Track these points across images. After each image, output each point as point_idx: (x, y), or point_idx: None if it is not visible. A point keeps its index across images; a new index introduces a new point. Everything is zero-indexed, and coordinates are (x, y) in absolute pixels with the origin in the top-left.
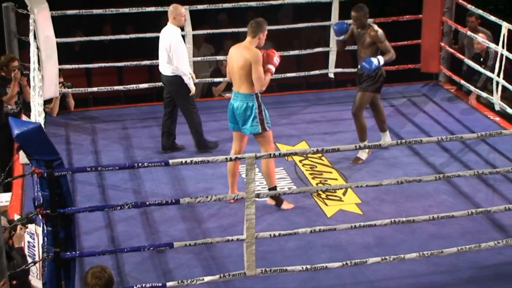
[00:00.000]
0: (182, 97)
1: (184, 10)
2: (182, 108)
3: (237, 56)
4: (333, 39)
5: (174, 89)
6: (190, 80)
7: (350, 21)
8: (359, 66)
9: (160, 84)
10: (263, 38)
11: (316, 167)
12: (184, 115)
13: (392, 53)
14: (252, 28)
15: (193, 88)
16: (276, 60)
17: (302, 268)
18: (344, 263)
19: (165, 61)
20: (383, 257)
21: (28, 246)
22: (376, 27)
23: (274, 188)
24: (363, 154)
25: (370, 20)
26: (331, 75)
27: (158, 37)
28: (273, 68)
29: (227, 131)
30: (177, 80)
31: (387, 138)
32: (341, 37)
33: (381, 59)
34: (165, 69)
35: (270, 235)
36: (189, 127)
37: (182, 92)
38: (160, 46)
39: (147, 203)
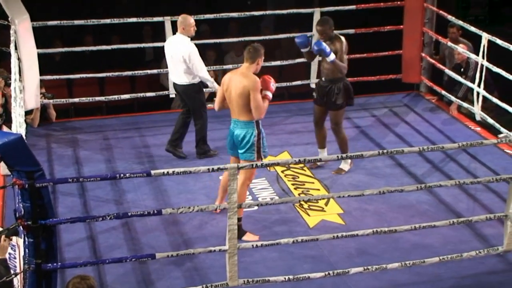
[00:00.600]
0: (198, 103)
1: (193, 21)
2: (196, 114)
3: (236, 84)
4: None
5: (191, 97)
6: (214, 83)
7: (311, 34)
8: (322, 78)
9: (142, 94)
10: (260, 64)
11: (299, 177)
12: (196, 121)
13: (345, 66)
14: (250, 54)
15: (217, 87)
16: (273, 85)
17: (285, 278)
18: (327, 273)
19: (181, 71)
20: (365, 267)
21: (9, 258)
22: (343, 38)
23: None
24: (345, 166)
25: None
26: (313, 85)
27: (140, 48)
28: (270, 94)
29: (209, 142)
30: (194, 87)
31: (325, 153)
32: (306, 49)
33: (333, 56)
34: (181, 78)
35: (253, 245)
36: (197, 132)
37: (198, 98)
38: (171, 56)
39: (129, 214)
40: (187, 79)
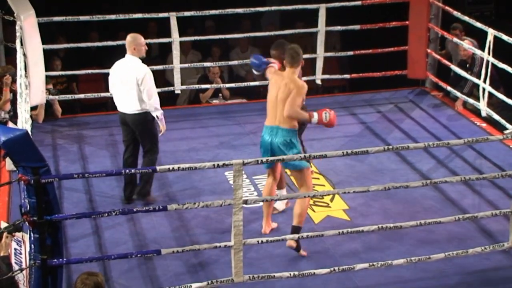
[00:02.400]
0: (151, 134)
1: (143, 40)
2: (147, 147)
3: (281, 87)
4: (321, 45)
5: (144, 127)
6: (163, 118)
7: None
8: None
9: None
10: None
11: None
12: (145, 156)
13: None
14: (293, 58)
15: (164, 126)
16: (325, 117)
17: (290, 274)
18: (332, 269)
19: (133, 97)
20: (370, 263)
21: (15, 254)
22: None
23: (299, 229)
24: (280, 205)
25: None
26: (318, 82)
27: (146, 44)
28: (316, 118)
29: (215, 138)
30: (147, 116)
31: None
32: (259, 73)
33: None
34: (132, 106)
35: (258, 241)
36: (143, 177)
37: (153, 128)
38: (120, 81)
39: (135, 209)
40: (139, 106)
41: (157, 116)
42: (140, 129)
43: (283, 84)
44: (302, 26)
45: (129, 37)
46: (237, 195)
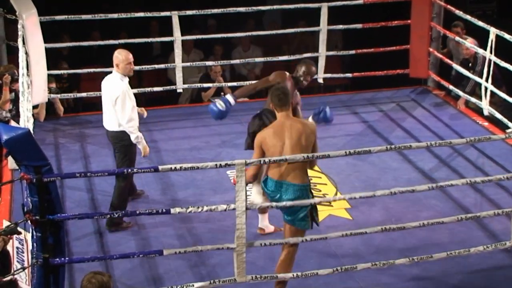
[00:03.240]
0: (124, 158)
1: (130, 56)
2: (120, 172)
3: (293, 138)
4: (323, 43)
5: (119, 148)
6: (142, 139)
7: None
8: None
9: (149, 89)
10: None
11: None
12: (117, 182)
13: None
14: (285, 100)
15: (146, 149)
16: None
17: (293, 275)
18: (335, 269)
19: (111, 115)
20: (373, 263)
21: (17, 252)
22: None
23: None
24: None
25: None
26: (320, 80)
27: (147, 43)
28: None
29: (217, 136)
30: (124, 137)
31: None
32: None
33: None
34: (110, 124)
35: (261, 244)
36: (114, 197)
37: (128, 151)
38: (103, 96)
39: (137, 212)
40: (117, 126)
41: (137, 138)
42: (116, 148)
43: (295, 133)
44: (304, 25)
45: (116, 52)
46: (240, 197)
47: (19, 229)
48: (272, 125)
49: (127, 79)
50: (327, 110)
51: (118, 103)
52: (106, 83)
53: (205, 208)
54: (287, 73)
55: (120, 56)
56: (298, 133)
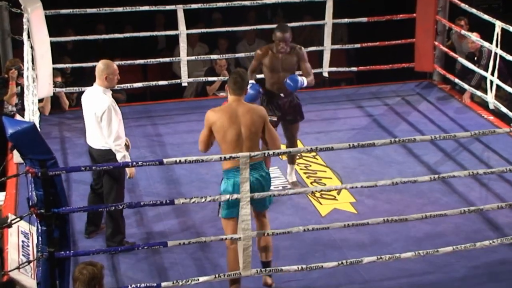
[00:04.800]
0: (112, 178)
1: (115, 68)
2: (109, 192)
3: (245, 120)
4: (328, 37)
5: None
6: (127, 159)
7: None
8: (281, 94)
9: (154, 83)
10: None
11: (311, 166)
12: (108, 201)
13: (313, 77)
14: (239, 84)
15: (132, 170)
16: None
17: (298, 268)
18: (340, 262)
19: (95, 132)
20: (378, 256)
21: (23, 246)
22: (298, 46)
23: (270, 263)
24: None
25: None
26: (325, 74)
27: (152, 37)
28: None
29: None
30: (111, 155)
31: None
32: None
33: (305, 81)
34: (95, 141)
35: (264, 233)
36: (109, 221)
37: (114, 172)
38: (85, 111)
39: (142, 203)
40: (103, 143)
41: (123, 158)
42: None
43: (246, 116)
44: (309, 19)
45: (101, 63)
46: (244, 188)
47: (24, 222)
48: (223, 109)
49: (110, 92)
50: (289, 81)
51: (104, 119)
52: (87, 97)
53: (208, 198)
54: (269, 46)
55: (109, 69)
56: (251, 120)
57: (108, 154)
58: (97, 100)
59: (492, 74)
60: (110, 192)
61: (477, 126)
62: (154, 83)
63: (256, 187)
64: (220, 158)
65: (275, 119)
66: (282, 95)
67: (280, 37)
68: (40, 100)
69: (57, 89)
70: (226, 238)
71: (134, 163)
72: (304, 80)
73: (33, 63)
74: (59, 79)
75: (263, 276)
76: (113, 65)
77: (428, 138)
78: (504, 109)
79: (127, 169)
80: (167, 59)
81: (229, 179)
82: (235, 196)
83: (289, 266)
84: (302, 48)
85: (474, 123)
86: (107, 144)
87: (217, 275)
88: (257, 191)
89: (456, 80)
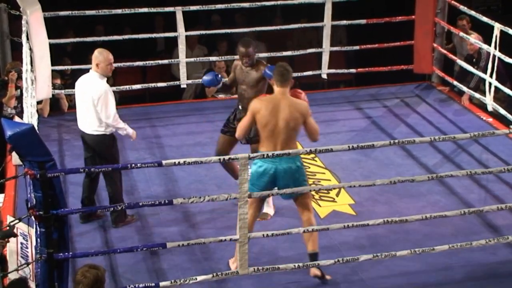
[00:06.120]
0: (109, 159)
1: (111, 57)
2: (107, 175)
3: (285, 113)
4: (327, 39)
5: (100, 150)
6: (127, 127)
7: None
8: (239, 106)
9: (153, 84)
10: None
11: (309, 168)
12: (108, 185)
13: None
14: (286, 76)
15: (134, 133)
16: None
17: (295, 266)
18: (336, 260)
19: (92, 117)
20: (374, 254)
21: (21, 248)
22: (264, 62)
23: (317, 255)
24: (270, 210)
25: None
26: (324, 76)
27: (151, 38)
28: None
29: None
30: (105, 139)
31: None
32: (219, 85)
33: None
34: (89, 126)
35: (263, 235)
36: (110, 196)
37: (110, 154)
38: (79, 98)
39: (140, 204)
40: (97, 127)
41: (124, 131)
42: (98, 152)
43: (286, 109)
44: (307, 21)
45: (96, 51)
46: (243, 188)
47: (22, 224)
48: (268, 99)
49: (105, 79)
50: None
51: (100, 102)
52: (83, 83)
53: (207, 198)
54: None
55: (101, 56)
56: (290, 115)
57: (102, 140)
58: (93, 85)
59: (491, 76)
60: (108, 174)
61: (476, 128)
62: (153, 85)
63: (283, 176)
64: (219, 159)
65: (226, 129)
66: (240, 107)
67: (243, 52)
68: (39, 102)
69: (56, 91)
70: (225, 239)
71: (133, 165)
72: None
73: (32, 65)
74: (58, 81)
75: (311, 268)
76: (105, 53)
77: (427, 139)
78: (502, 111)
79: (129, 134)
80: (166, 61)
81: (265, 162)
82: (233, 195)
83: (287, 264)
84: (263, 63)
85: (473, 125)
86: (101, 129)
87: (214, 274)
88: (284, 181)
89: (455, 82)
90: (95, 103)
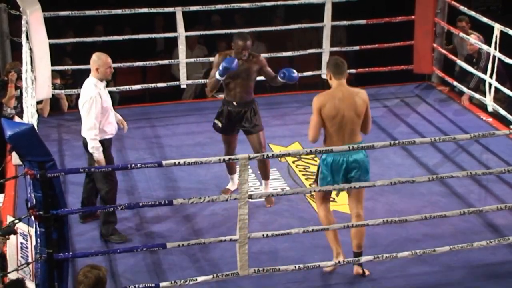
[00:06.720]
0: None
1: (110, 60)
2: (99, 180)
3: (351, 104)
4: (327, 39)
5: (90, 156)
6: (98, 152)
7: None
8: (234, 102)
9: (153, 85)
10: None
11: (310, 168)
12: (100, 190)
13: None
14: (343, 67)
15: (102, 160)
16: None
17: (295, 267)
18: (337, 261)
19: (83, 121)
20: (375, 256)
21: (21, 248)
22: (257, 54)
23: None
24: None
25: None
26: (324, 76)
27: (151, 39)
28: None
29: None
30: (102, 144)
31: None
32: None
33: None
34: (82, 130)
35: (263, 235)
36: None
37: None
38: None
39: (140, 204)
40: None
41: (92, 148)
42: (89, 156)
43: (351, 101)
44: (308, 21)
45: (94, 55)
46: (243, 189)
47: (22, 224)
48: (329, 93)
49: (103, 84)
50: (287, 71)
51: (84, 108)
52: (82, 87)
53: (207, 198)
54: (228, 52)
55: (100, 61)
56: (354, 103)
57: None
58: (84, 90)
59: (491, 76)
60: (101, 182)
61: (476, 128)
62: (153, 85)
63: (350, 168)
64: (219, 160)
65: (219, 124)
66: (235, 103)
67: (243, 45)
68: (39, 102)
69: (56, 91)
70: (225, 240)
71: (133, 165)
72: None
73: (32, 65)
74: (58, 81)
75: (354, 266)
76: (104, 57)
77: (427, 140)
78: (502, 111)
79: (99, 159)
80: (166, 61)
81: (329, 156)
82: (233, 196)
83: (287, 265)
84: (261, 55)
85: (473, 125)
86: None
87: (215, 275)
88: (352, 172)
89: (455, 83)
90: (80, 108)
